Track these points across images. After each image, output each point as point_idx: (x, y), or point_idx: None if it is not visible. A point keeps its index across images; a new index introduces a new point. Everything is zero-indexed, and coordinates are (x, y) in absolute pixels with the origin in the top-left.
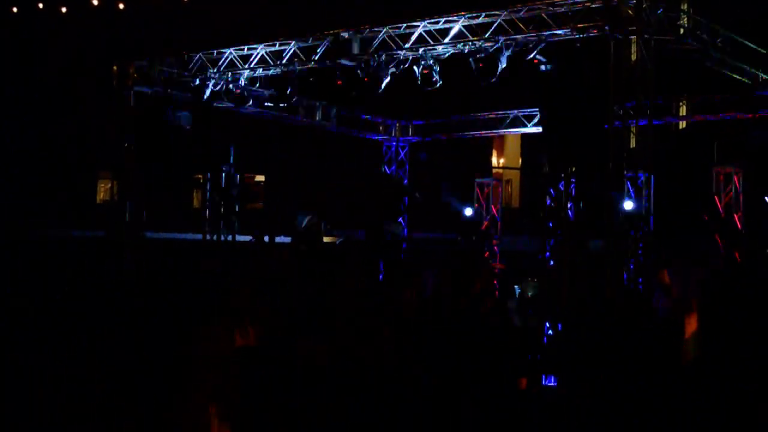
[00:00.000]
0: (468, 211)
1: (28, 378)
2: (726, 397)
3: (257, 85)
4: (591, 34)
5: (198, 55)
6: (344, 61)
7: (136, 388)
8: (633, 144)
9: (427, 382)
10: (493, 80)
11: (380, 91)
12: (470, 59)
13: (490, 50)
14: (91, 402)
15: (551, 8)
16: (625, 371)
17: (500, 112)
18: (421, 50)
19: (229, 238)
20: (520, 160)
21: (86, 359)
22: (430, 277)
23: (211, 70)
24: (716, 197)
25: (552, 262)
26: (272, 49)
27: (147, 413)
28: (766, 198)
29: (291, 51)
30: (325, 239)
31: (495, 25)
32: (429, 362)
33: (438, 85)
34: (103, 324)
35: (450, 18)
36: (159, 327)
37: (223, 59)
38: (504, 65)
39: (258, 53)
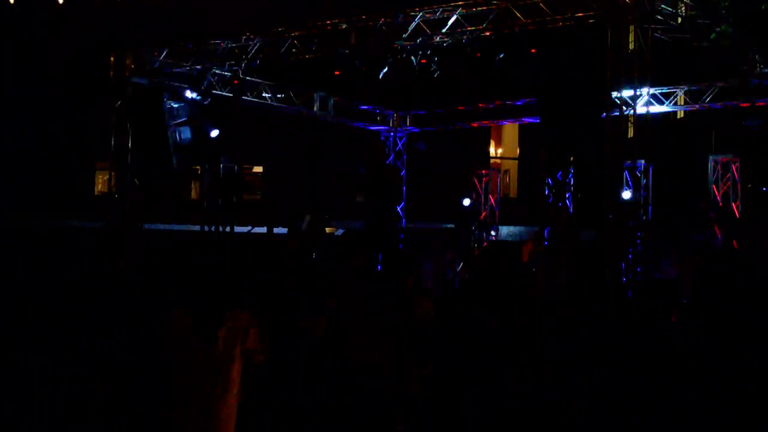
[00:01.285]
0: (466, 201)
1: (27, 374)
2: (725, 394)
3: (255, 75)
4: (589, 23)
5: (196, 46)
6: (342, 51)
7: (133, 385)
8: (631, 133)
9: (427, 381)
10: (491, 70)
11: (378, 81)
12: (468, 49)
13: (488, 40)
14: (88, 399)
15: None
16: (622, 368)
17: (498, 102)
18: (418, 40)
19: (227, 229)
20: (518, 151)
21: (84, 355)
22: (429, 268)
23: (209, 61)
24: (714, 186)
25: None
26: (270, 39)
27: (146, 411)
28: (765, 188)
29: (289, 41)
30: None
31: (492, 14)
32: (429, 361)
33: (436, 75)
34: (101, 319)
35: (447, 8)
36: (155, 324)
37: (221, 49)
38: (501, 55)
39: (256, 43)
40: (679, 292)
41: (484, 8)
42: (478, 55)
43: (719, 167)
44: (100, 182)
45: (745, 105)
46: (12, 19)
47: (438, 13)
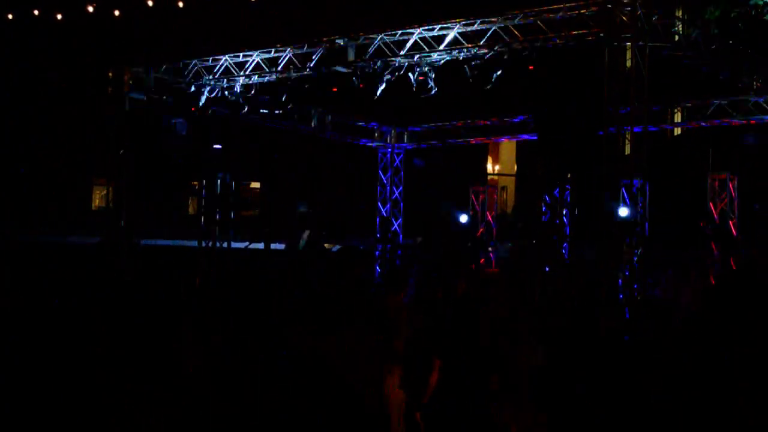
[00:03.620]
0: (463, 218)
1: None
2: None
3: (252, 92)
4: (586, 41)
5: (193, 62)
6: (340, 68)
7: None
8: (627, 150)
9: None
10: (489, 87)
11: (376, 97)
12: (465, 66)
13: (486, 57)
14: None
15: (546, 15)
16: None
17: (495, 119)
18: (416, 57)
19: (225, 245)
20: (516, 167)
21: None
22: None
23: (207, 77)
24: (711, 203)
25: (547, 268)
26: (267, 56)
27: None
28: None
29: (286, 58)
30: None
31: (490, 32)
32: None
33: (433, 92)
34: (98, 330)
35: (445, 25)
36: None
37: (218, 66)
38: (499, 72)
39: (253, 60)
40: (675, 310)
41: (482, 26)
42: (476, 72)
43: (716, 185)
44: (97, 198)
45: (741, 122)
46: (10, 34)
47: (435, 31)
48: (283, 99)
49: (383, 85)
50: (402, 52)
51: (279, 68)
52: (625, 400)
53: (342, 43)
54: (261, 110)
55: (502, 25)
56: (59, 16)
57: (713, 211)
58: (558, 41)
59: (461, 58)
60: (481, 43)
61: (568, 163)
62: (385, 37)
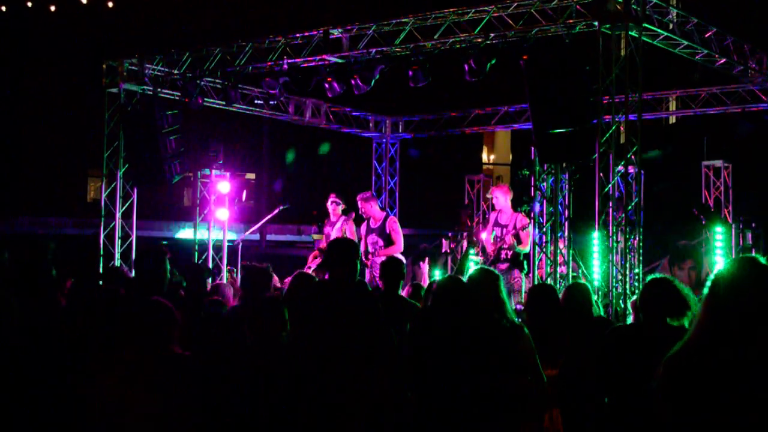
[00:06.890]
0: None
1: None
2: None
3: (247, 82)
4: (580, 30)
5: (187, 53)
6: (333, 59)
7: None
8: (623, 139)
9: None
10: (483, 77)
11: (370, 87)
12: (460, 56)
13: (480, 46)
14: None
15: (540, 6)
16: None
17: (490, 109)
18: (410, 47)
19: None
20: (511, 156)
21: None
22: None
23: (201, 68)
24: (705, 191)
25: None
26: (262, 46)
27: None
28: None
29: (281, 48)
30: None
31: (484, 21)
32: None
33: (428, 81)
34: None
35: (439, 14)
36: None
37: (212, 57)
38: (493, 61)
39: (247, 51)
40: None
41: (476, 15)
42: (471, 61)
43: (711, 172)
44: (93, 190)
45: (736, 110)
46: (3, 26)
47: (430, 20)
48: (278, 89)
49: (377, 76)
50: (396, 42)
51: (273, 58)
52: (624, 395)
53: (336, 33)
54: (255, 101)
55: (496, 14)
56: (53, 8)
57: (708, 199)
58: (553, 30)
59: (455, 47)
60: (475, 32)
61: (563, 153)
62: (379, 27)
